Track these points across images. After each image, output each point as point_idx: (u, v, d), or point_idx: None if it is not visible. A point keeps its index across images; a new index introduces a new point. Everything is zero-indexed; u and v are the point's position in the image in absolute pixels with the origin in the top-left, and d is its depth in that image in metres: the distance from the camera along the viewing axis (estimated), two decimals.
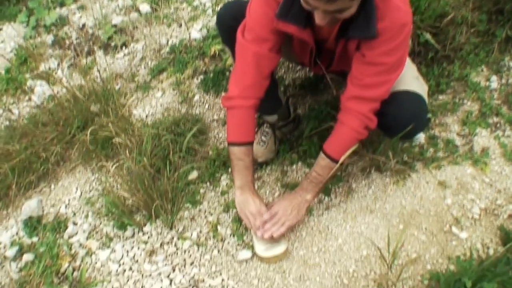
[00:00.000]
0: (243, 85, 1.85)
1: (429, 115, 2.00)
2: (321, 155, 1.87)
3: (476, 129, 2.25)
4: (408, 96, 1.77)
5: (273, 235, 1.87)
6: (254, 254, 1.97)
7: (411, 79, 1.83)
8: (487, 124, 2.26)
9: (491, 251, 1.86)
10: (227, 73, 2.67)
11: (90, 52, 3.11)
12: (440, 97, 2.41)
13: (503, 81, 2.42)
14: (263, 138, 2.28)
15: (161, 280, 1.96)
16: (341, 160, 1.84)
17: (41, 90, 2.95)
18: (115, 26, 3.17)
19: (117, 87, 2.83)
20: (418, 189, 2.09)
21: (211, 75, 2.72)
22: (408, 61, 1.85)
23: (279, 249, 1.94)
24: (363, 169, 2.15)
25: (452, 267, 1.84)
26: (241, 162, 1.91)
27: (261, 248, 1.95)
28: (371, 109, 1.74)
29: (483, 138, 2.23)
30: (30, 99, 2.97)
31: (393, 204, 2.06)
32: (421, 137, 2.24)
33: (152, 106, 2.72)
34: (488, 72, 2.47)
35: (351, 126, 1.78)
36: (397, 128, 1.80)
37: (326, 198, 2.13)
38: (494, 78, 2.42)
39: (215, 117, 2.59)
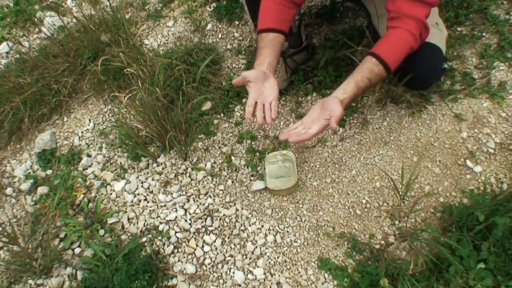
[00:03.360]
0: None
1: (445, 65, 1.94)
2: (372, 60, 1.65)
3: (494, 63, 2.20)
4: (426, 48, 1.72)
5: (292, 137, 1.58)
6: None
7: (429, 27, 1.75)
8: (505, 58, 2.20)
9: (504, 186, 1.85)
10: (241, 1, 2.60)
11: None
12: (459, 28, 2.34)
13: None
14: None
15: (176, 210, 1.99)
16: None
17: (50, 21, 2.90)
18: None
19: (127, 16, 2.77)
20: (434, 122, 2.07)
21: (224, 2, 2.65)
22: None
23: (288, 183, 1.95)
24: (379, 100, 2.12)
25: (465, 201, 1.84)
26: (256, 49, 1.81)
27: (269, 180, 1.97)
28: (426, 15, 1.63)
29: (500, 72, 2.17)
30: (40, 31, 2.93)
31: (408, 136, 2.05)
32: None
33: (163, 35, 2.67)
34: (508, 5, 2.38)
35: (406, 28, 1.63)
36: (413, 80, 1.79)
37: (341, 129, 2.12)
38: None
39: (229, 46, 2.55)
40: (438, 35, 1.78)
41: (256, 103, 1.66)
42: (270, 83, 1.68)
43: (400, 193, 1.82)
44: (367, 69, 1.64)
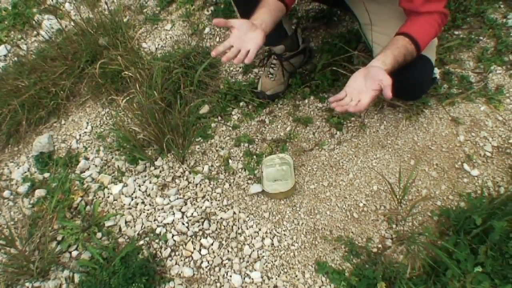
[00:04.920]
0: None
1: (436, 74, 1.94)
2: (405, 39, 1.62)
3: (491, 66, 2.19)
4: (416, 59, 1.69)
5: (349, 109, 1.54)
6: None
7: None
8: (503, 62, 2.20)
9: (502, 190, 1.84)
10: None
11: None
12: (456, 32, 2.34)
13: None
14: (271, 70, 2.25)
15: (173, 213, 1.99)
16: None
17: (49, 24, 2.91)
18: None
19: (125, 20, 2.78)
20: (431, 125, 2.07)
21: (222, 6, 2.65)
22: None
23: (285, 186, 1.95)
24: (376, 104, 2.13)
25: (462, 204, 1.84)
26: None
27: (267, 184, 1.98)
28: (444, 5, 1.64)
29: (498, 76, 2.17)
30: (38, 34, 2.93)
31: (405, 140, 2.05)
32: (436, 73, 2.19)
33: (161, 39, 2.68)
34: (505, 9, 2.38)
35: (430, 18, 1.63)
36: (401, 91, 1.75)
37: (338, 132, 2.12)
38: (511, 15, 2.33)
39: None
40: (428, 46, 1.76)
41: (232, 48, 1.60)
42: (255, 33, 1.61)
43: (398, 196, 1.82)
44: (403, 46, 1.61)
